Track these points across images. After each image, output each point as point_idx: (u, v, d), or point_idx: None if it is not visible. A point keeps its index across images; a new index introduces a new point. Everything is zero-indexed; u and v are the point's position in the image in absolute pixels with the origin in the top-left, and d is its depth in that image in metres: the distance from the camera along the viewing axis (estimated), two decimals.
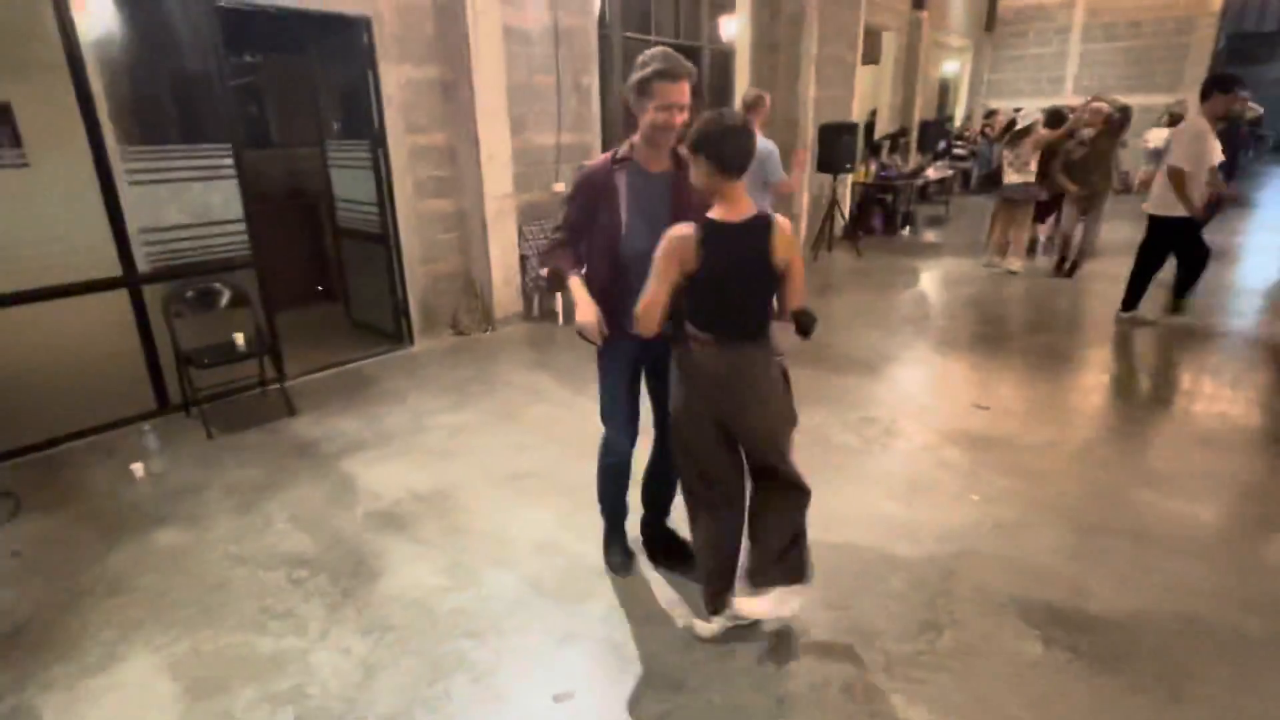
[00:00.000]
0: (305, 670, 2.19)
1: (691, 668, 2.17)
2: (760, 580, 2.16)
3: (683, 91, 2.06)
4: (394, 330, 5.22)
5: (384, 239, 5.01)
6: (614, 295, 2.20)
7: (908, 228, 9.81)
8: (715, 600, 2.22)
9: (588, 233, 2.24)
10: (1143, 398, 4.31)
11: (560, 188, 5.99)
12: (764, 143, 4.46)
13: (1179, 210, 4.92)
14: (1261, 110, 7.84)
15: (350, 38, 4.62)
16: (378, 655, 2.25)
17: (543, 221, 5.84)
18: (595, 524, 2.77)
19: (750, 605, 2.17)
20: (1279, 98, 19.48)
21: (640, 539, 2.72)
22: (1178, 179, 4.81)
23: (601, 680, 2.13)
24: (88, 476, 3.43)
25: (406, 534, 2.90)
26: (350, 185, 5.23)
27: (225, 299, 3.99)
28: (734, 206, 1.95)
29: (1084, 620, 2.32)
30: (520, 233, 5.58)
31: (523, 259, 5.63)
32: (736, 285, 1.99)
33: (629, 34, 7.45)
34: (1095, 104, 6.95)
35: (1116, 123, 6.79)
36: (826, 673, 2.13)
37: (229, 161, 4.07)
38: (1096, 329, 5.46)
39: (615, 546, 2.69)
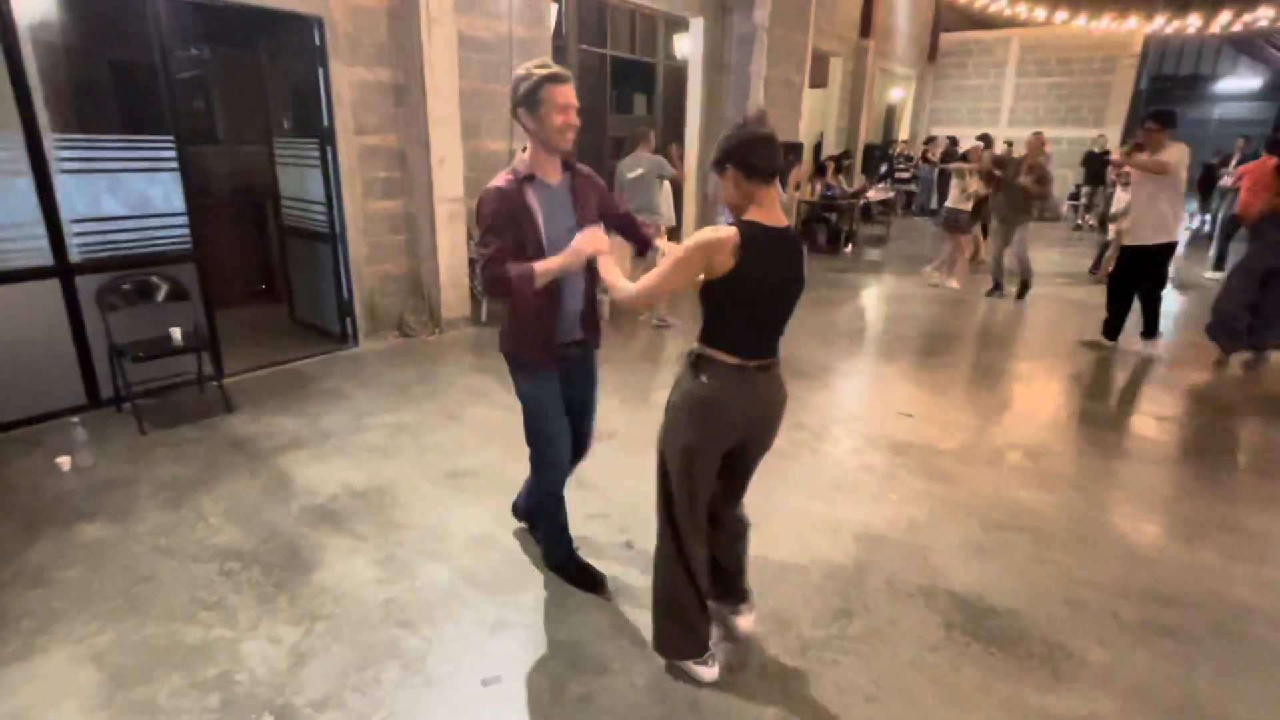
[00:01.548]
0: (234, 658, 2.21)
1: (617, 653, 2.26)
2: (745, 596, 2.33)
3: (572, 92, 2.15)
4: (338, 331, 5.21)
5: (331, 238, 5.01)
6: (545, 313, 2.26)
7: (850, 246, 10.17)
8: (706, 640, 2.18)
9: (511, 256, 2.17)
10: (1056, 409, 4.60)
11: None
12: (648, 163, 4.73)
13: (1160, 238, 5.10)
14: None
15: (302, 36, 4.64)
16: (308, 644, 2.28)
17: None
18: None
19: (749, 623, 2.33)
20: (1196, 137, 20.79)
21: (512, 514, 2.91)
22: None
23: (529, 665, 2.21)
24: (10, 469, 3.34)
25: (342, 529, 2.93)
26: (297, 184, 5.21)
27: (163, 292, 3.94)
28: (770, 211, 1.91)
29: (983, 608, 2.51)
30: (469, 236, 5.62)
31: (471, 262, 5.67)
32: (769, 294, 1.93)
33: (584, 46, 7.60)
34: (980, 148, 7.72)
35: (998, 162, 7.44)
36: (744, 657, 2.25)
37: (171, 154, 4.03)
38: (1025, 346, 5.80)
39: (579, 562, 2.64)
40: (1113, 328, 5.60)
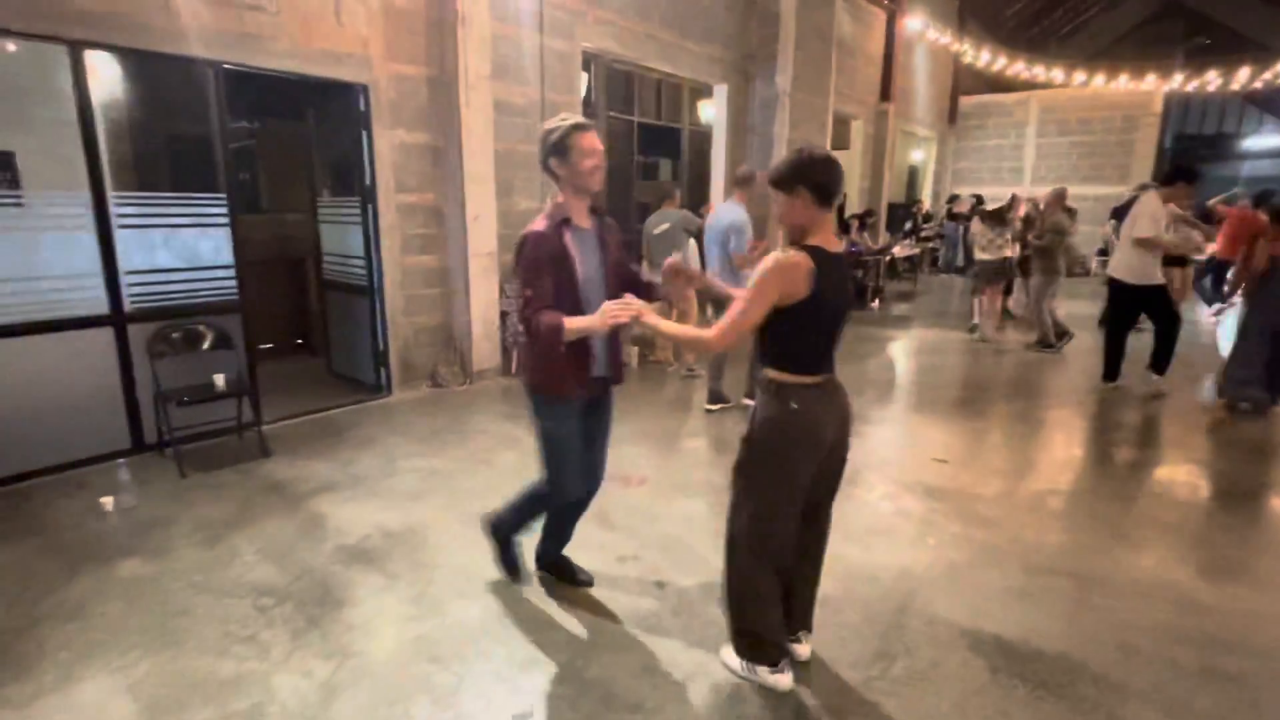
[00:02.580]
0: (265, 691, 2.20)
1: (650, 691, 2.21)
2: (808, 624, 2.34)
3: (598, 138, 2.28)
4: (373, 381, 5.32)
5: (369, 291, 5.18)
6: (579, 353, 2.34)
7: (878, 301, 10.20)
8: (783, 646, 2.23)
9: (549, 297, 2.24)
10: (1094, 455, 4.49)
11: None
12: (742, 215, 4.76)
13: (1150, 279, 5.30)
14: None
15: (348, 103, 4.92)
16: (339, 678, 2.26)
17: None
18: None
19: (806, 651, 2.33)
20: (1219, 192, 20.75)
21: (535, 564, 2.89)
22: (1146, 245, 5.22)
23: (560, 702, 2.16)
24: (56, 509, 3.43)
25: (374, 567, 2.94)
26: (338, 240, 5.43)
27: (209, 340, 4.09)
28: (830, 237, 1.96)
29: (1029, 651, 2.41)
30: (501, 290, 5.78)
31: (503, 315, 5.81)
32: (834, 316, 1.99)
33: (612, 113, 7.93)
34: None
35: (1026, 221, 7.65)
36: (782, 697, 2.18)
37: (223, 210, 4.25)
38: (1053, 394, 5.70)
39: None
40: (1109, 368, 5.67)
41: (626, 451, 4.24)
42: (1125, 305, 5.56)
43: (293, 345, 6.54)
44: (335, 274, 5.56)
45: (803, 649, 2.33)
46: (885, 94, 12.65)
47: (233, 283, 4.34)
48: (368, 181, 5.00)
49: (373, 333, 5.24)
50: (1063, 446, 4.56)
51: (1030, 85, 14.22)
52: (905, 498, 3.67)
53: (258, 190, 7.08)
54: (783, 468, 2.02)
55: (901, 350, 7.46)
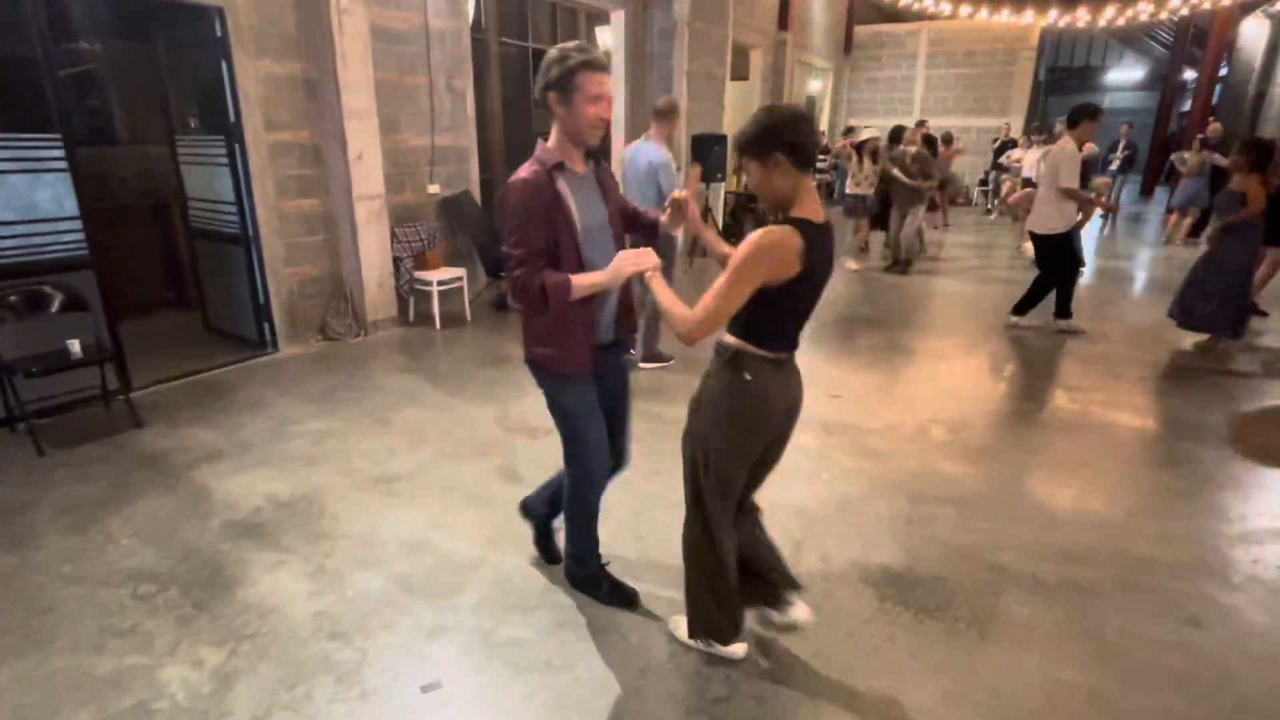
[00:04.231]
0: (151, 686, 2.08)
1: (559, 649, 2.24)
2: (796, 582, 2.18)
3: (608, 82, 1.98)
4: (255, 337, 4.97)
5: (244, 240, 4.77)
6: (586, 311, 2.08)
7: None
8: (740, 622, 2.15)
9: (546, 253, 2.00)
10: (972, 384, 4.82)
11: (435, 189, 5.92)
12: (664, 154, 4.42)
13: (1054, 228, 5.46)
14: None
15: (202, 27, 4.39)
16: (233, 664, 2.17)
17: (417, 224, 5.75)
18: (466, 521, 2.86)
19: (802, 612, 2.15)
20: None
21: (520, 509, 2.68)
22: (1071, 195, 5.37)
23: (469, 668, 2.17)
24: None
25: (266, 542, 2.80)
26: (205, 184, 4.93)
27: (57, 303, 3.67)
28: (815, 205, 1.77)
29: (913, 578, 2.61)
30: (394, 235, 5.46)
31: (396, 261, 5.51)
32: (817, 293, 1.84)
33: (505, 40, 7.47)
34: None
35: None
36: (686, 643, 2.27)
37: (59, 154, 3.75)
38: (940, 326, 6.04)
39: (609, 577, 2.49)
40: (1023, 306, 5.88)
41: (533, 401, 4.18)
42: (1057, 252, 5.60)
43: (163, 299, 5.99)
44: (204, 221, 5.07)
45: (800, 611, 2.15)
46: (783, 23, 12.53)
47: (79, 236, 3.87)
48: (232, 118, 4.52)
49: (251, 285, 4.86)
50: (948, 378, 4.86)
51: (920, 16, 14.46)
52: (801, 434, 3.75)
53: (110, 119, 6.25)
54: (730, 439, 1.92)
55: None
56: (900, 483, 3.31)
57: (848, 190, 8.38)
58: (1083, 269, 5.84)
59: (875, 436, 3.80)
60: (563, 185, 2.02)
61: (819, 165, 14.00)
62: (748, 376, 1.85)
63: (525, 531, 2.85)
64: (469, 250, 6.32)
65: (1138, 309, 6.61)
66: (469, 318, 5.90)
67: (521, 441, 3.69)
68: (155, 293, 5.95)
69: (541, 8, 8.28)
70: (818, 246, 1.73)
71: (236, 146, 4.57)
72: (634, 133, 8.43)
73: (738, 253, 1.71)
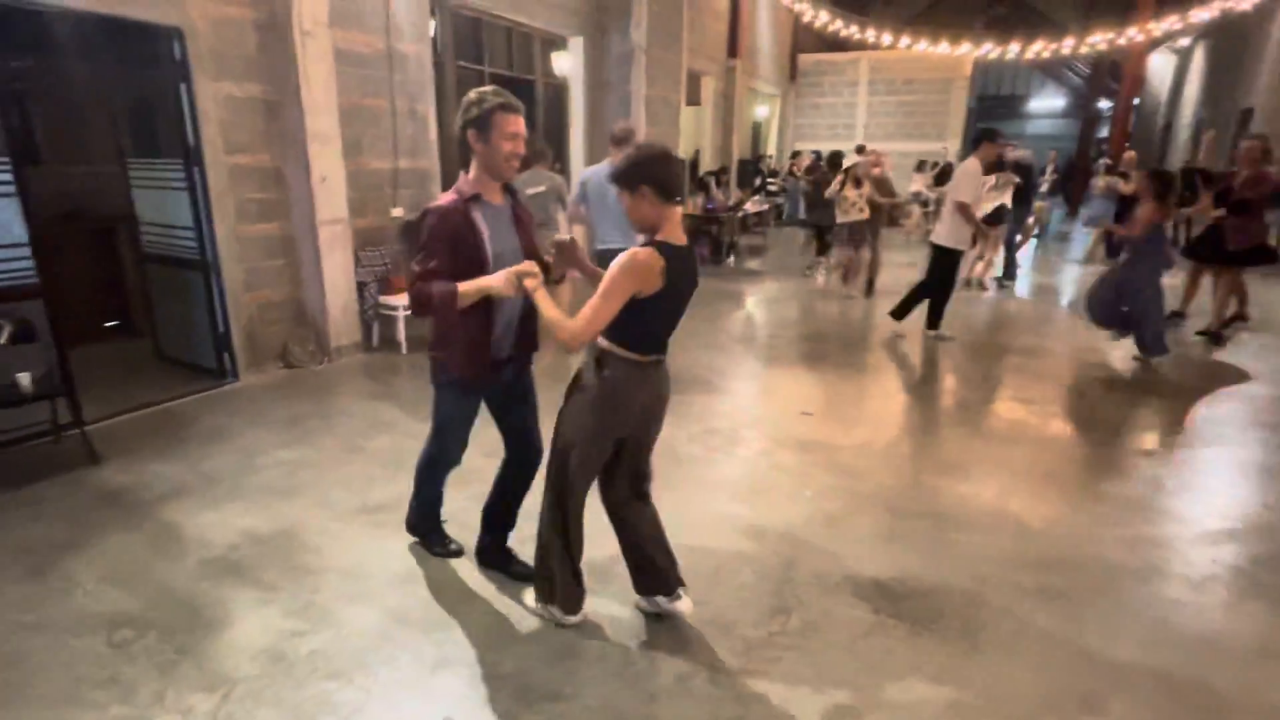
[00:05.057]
0: None
1: (565, 677, 2.23)
2: (677, 584, 2.41)
3: (521, 123, 2.23)
4: (214, 365, 4.79)
5: (202, 266, 4.61)
6: (486, 332, 2.30)
7: (732, 256, 10.58)
8: (577, 599, 2.41)
9: (450, 274, 2.20)
10: (934, 399, 5.00)
11: (399, 213, 5.85)
12: None
13: (954, 243, 5.80)
14: (1028, 152, 9.70)
15: (159, 49, 4.25)
16: (227, 710, 2.08)
17: (381, 248, 5.66)
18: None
19: (686, 605, 2.41)
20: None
21: (475, 560, 2.81)
22: (964, 211, 5.67)
23: (478, 701, 2.13)
24: None
25: (248, 580, 2.70)
26: (158, 208, 4.75)
27: (5, 334, 3.47)
28: (676, 230, 2.06)
29: (904, 591, 2.68)
30: (357, 259, 5.36)
31: (360, 286, 5.41)
32: (679, 304, 2.12)
33: (462, 63, 7.47)
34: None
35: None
36: (693, 664, 2.28)
37: (7, 176, 3.56)
38: (899, 343, 6.26)
39: (442, 534, 2.88)
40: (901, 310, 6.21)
41: None
42: (949, 267, 5.95)
43: (109, 327, 5.71)
44: (158, 246, 4.88)
45: (683, 605, 2.40)
46: (733, 51, 12.88)
47: (28, 262, 3.67)
48: (191, 140, 4.39)
49: (210, 311, 4.68)
50: (908, 393, 5.04)
51: (862, 46, 15.07)
52: (780, 453, 3.90)
53: (32, 137, 5.91)
54: (586, 425, 2.16)
55: (758, 305, 7.83)
56: (880, 498, 3.40)
57: (839, 220, 7.83)
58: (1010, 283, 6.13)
59: (850, 453, 3.90)
60: (477, 215, 2.24)
61: (770, 188, 14.37)
62: (607, 373, 2.11)
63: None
64: None
65: (1073, 324, 6.98)
66: None
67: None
68: (100, 320, 5.67)
69: (497, 31, 8.31)
70: (678, 264, 2.01)
71: (196, 170, 4.43)
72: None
73: (609, 271, 1.97)
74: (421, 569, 2.77)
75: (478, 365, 2.35)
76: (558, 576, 2.35)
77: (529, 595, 2.51)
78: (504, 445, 2.63)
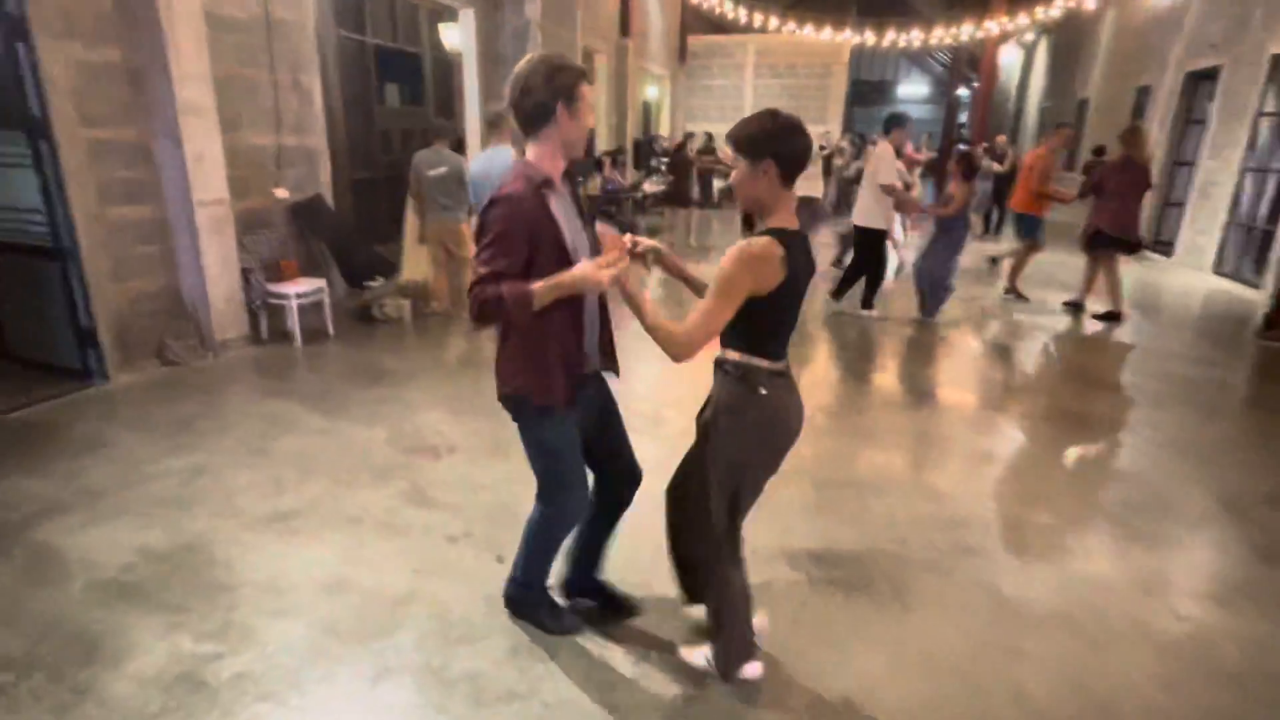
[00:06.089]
0: None
1: (518, 676, 2.17)
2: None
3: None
4: (78, 364, 4.26)
5: (57, 253, 4.07)
6: (576, 335, 1.96)
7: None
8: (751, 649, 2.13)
9: (520, 275, 1.81)
10: (847, 374, 5.25)
11: (283, 193, 5.42)
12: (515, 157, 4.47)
13: (876, 223, 6.08)
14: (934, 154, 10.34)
15: None
16: None
17: (265, 231, 5.24)
18: (384, 553, 2.68)
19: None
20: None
21: (567, 600, 2.45)
22: (892, 193, 5.96)
23: (430, 709, 2.04)
24: None
25: (151, 603, 2.44)
26: None
27: None
28: (791, 217, 1.79)
29: (834, 558, 2.81)
30: (240, 244, 4.92)
31: (245, 273, 4.98)
32: (800, 298, 1.84)
33: (345, 33, 7.01)
34: None
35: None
36: (646, 648, 2.29)
37: None
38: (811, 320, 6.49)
39: (554, 605, 2.39)
40: (839, 291, 6.47)
41: (426, 419, 3.99)
42: (873, 246, 6.25)
43: None
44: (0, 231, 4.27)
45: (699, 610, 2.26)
46: (625, 30, 12.81)
47: None
48: (35, 111, 3.84)
49: (70, 304, 4.16)
50: (822, 367, 5.26)
51: (748, 29, 15.40)
52: None
53: None
54: (756, 455, 1.91)
55: (660, 286, 7.89)
56: (803, 470, 3.53)
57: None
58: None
59: None
60: (553, 204, 1.87)
61: (659, 167, 14.45)
62: (763, 391, 1.83)
63: (454, 558, 2.75)
64: (325, 258, 5.84)
65: (961, 300, 7.52)
66: (331, 332, 5.46)
67: (424, 463, 3.49)
68: None
69: (379, 1, 7.85)
70: (797, 253, 1.76)
71: (44, 144, 3.89)
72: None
73: (722, 266, 1.72)
74: (349, 575, 2.61)
75: (577, 376, 1.98)
76: (745, 629, 2.09)
77: (693, 653, 2.19)
78: (595, 476, 2.23)
